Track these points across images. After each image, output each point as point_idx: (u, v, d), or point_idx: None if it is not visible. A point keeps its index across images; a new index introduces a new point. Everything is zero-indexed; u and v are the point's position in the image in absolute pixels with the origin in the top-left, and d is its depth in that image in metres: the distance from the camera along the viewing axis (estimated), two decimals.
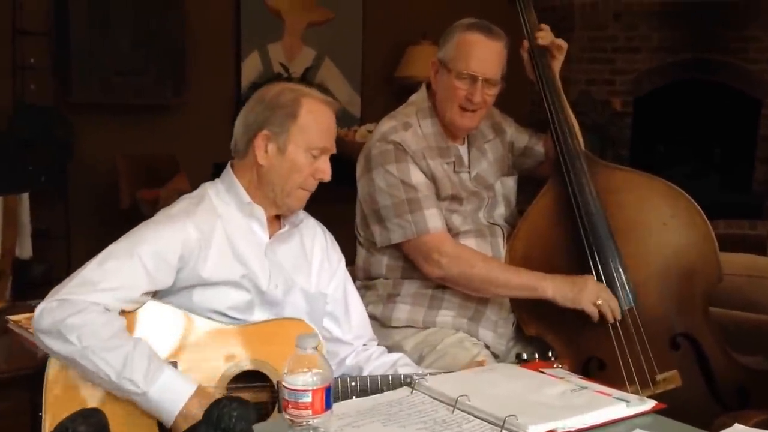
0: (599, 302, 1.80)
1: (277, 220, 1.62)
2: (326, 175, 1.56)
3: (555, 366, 1.46)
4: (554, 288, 1.81)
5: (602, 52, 5.07)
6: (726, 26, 4.88)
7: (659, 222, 1.88)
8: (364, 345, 1.73)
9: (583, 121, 4.87)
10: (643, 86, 5.13)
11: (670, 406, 1.84)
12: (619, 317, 1.82)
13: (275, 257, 1.58)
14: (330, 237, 1.74)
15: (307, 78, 4.70)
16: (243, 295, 1.52)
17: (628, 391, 1.80)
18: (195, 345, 1.45)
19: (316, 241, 1.68)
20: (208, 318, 1.48)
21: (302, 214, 1.66)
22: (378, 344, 1.92)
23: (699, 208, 1.85)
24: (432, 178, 1.92)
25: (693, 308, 1.87)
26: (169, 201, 1.61)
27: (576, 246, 1.88)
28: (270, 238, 1.58)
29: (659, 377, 1.82)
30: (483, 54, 1.87)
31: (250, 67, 4.67)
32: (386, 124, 1.96)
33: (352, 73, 5.01)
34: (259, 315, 1.54)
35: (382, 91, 5.02)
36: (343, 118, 4.84)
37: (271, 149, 1.53)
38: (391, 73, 5.03)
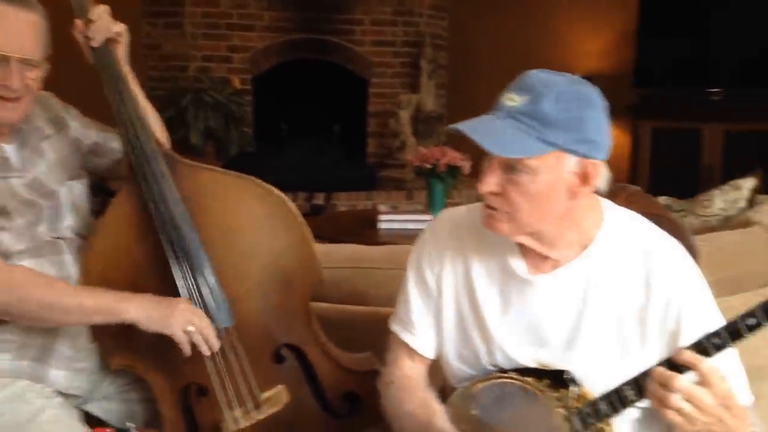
0: (190, 329, 1.56)
1: None
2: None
3: None
4: (137, 308, 1.53)
5: (217, 29, 4.87)
6: (333, 9, 5.03)
7: (253, 226, 1.69)
8: None
9: (203, 99, 4.71)
10: (260, 64, 5.06)
11: (284, 424, 1.72)
12: (215, 348, 1.60)
13: None
14: None
15: None
16: None
17: (228, 417, 1.63)
18: None
19: None
20: None
21: None
22: None
23: (294, 207, 1.70)
24: None
25: (295, 315, 1.73)
26: None
27: (163, 263, 1.61)
28: None
29: (263, 396, 1.66)
30: (11, 28, 1.50)
31: None
32: None
33: None
34: None
35: None
36: None
37: None
38: None
